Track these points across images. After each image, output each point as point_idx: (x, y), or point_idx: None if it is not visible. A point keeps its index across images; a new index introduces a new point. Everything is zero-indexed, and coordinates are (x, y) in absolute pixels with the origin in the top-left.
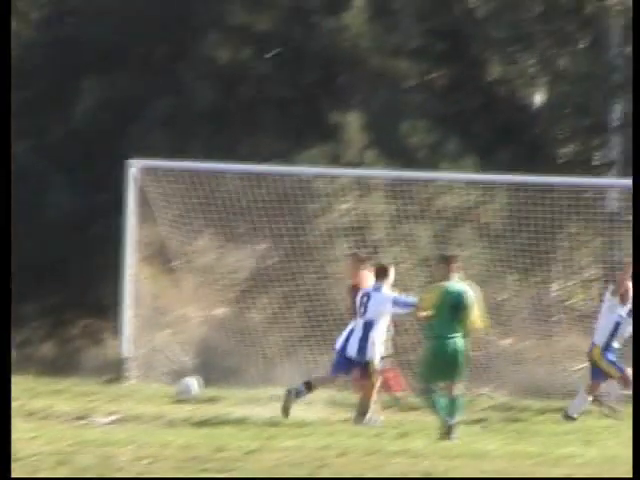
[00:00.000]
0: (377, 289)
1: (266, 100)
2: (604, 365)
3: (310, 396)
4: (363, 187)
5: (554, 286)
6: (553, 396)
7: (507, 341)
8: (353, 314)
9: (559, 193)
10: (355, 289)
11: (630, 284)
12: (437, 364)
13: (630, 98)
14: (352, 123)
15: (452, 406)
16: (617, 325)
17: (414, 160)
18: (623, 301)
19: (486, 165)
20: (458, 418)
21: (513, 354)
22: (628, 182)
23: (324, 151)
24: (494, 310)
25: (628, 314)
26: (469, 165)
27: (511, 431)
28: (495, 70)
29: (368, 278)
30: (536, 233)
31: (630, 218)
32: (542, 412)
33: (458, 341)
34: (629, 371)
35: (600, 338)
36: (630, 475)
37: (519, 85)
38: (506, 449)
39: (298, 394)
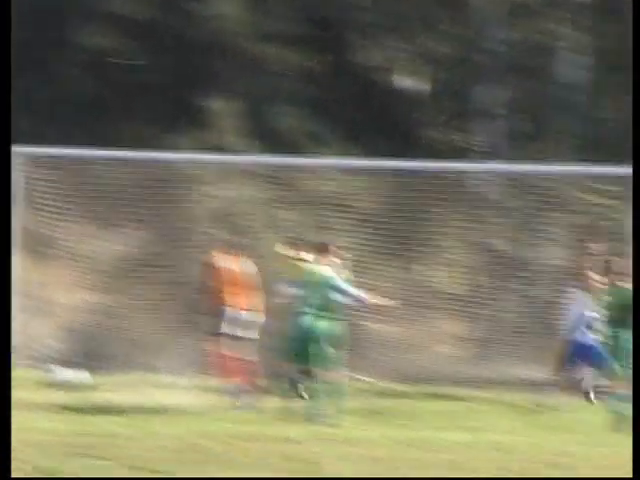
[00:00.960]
0: None
1: (142, 87)
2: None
3: (186, 382)
4: (236, 173)
5: (429, 272)
6: (428, 381)
7: (382, 326)
8: None
9: (433, 178)
10: None
11: (592, 274)
12: (302, 347)
13: (502, 82)
14: (226, 109)
15: (326, 391)
16: (582, 317)
17: (288, 146)
18: (589, 291)
19: (361, 151)
20: (334, 404)
21: (388, 339)
22: (504, 167)
23: (198, 137)
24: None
25: (593, 304)
26: (343, 151)
27: (390, 417)
28: (370, 56)
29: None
30: (410, 219)
31: (506, 203)
32: (418, 397)
33: (325, 324)
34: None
35: (566, 331)
36: (629, 475)
37: (394, 71)
38: (385, 435)
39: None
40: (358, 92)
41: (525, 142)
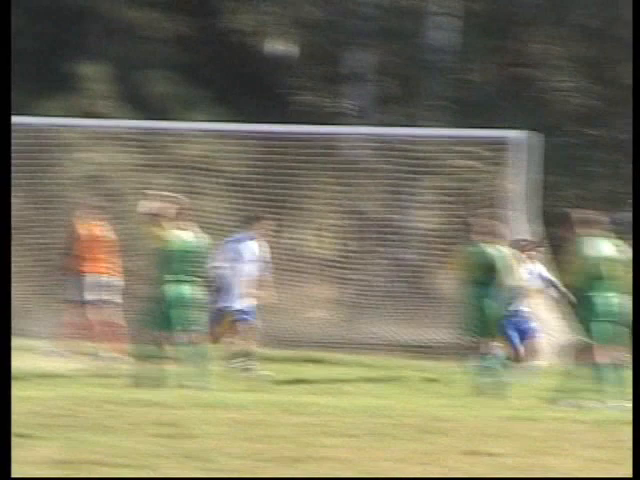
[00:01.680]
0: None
1: (12, 52)
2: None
3: (54, 346)
4: (107, 138)
5: (301, 236)
6: (301, 345)
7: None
8: None
9: (304, 142)
10: None
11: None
12: (165, 311)
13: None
14: (97, 75)
15: (193, 355)
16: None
17: (159, 111)
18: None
19: (232, 115)
20: (201, 367)
21: (260, 304)
22: (374, 131)
23: (69, 102)
24: None
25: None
26: (214, 116)
27: (263, 381)
28: (240, 20)
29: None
30: (278, 182)
31: (376, 167)
32: (291, 362)
33: (187, 289)
34: (521, 348)
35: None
36: (629, 475)
37: (265, 35)
38: (259, 399)
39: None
40: (229, 56)
41: (395, 106)
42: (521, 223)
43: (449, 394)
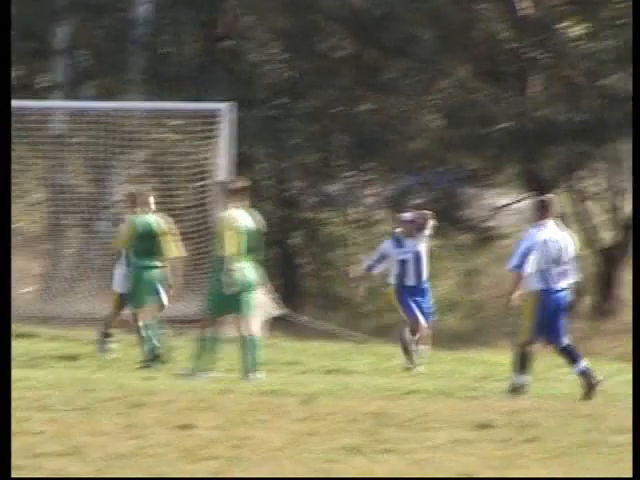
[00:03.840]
0: None
1: None
2: (395, 305)
3: None
4: None
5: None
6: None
7: None
8: None
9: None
10: None
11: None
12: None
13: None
14: None
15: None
16: (403, 263)
17: None
18: (410, 235)
19: None
20: None
21: None
22: (72, 104)
23: None
24: None
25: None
26: None
27: None
28: None
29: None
30: None
31: (76, 140)
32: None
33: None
34: (422, 320)
35: (392, 279)
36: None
37: None
38: None
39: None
40: None
41: (100, 80)
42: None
43: (154, 368)
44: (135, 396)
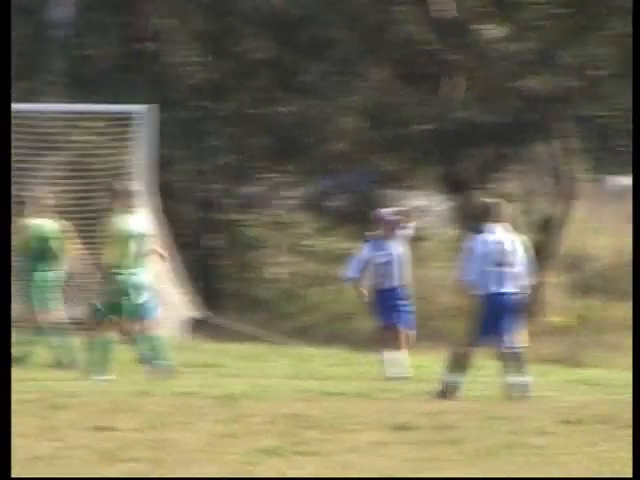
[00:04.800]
0: None
1: None
2: (370, 309)
3: None
4: None
5: None
6: None
7: None
8: None
9: None
10: None
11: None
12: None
13: None
14: None
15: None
16: (383, 265)
17: None
18: (388, 236)
19: None
20: None
21: None
22: None
23: None
24: None
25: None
26: None
27: None
28: None
29: None
30: None
31: None
32: None
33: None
34: (401, 325)
35: (370, 282)
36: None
37: None
38: None
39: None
40: None
41: (17, 82)
42: (141, 197)
43: (72, 370)
44: (54, 398)
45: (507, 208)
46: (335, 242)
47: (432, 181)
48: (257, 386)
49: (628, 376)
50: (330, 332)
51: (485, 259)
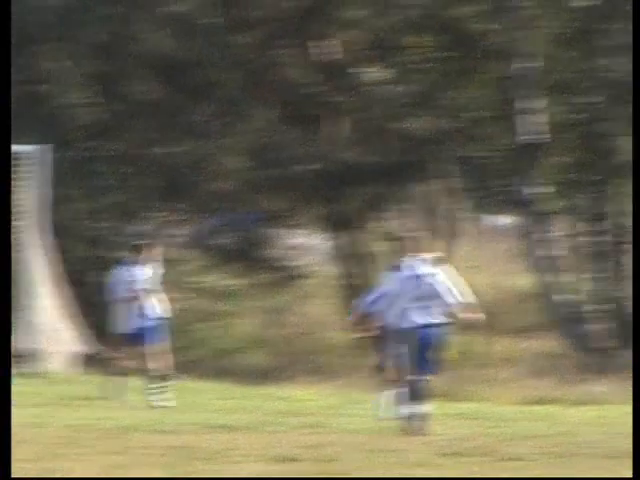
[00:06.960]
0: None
1: None
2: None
3: None
4: None
5: None
6: None
7: None
8: None
9: None
10: None
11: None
12: None
13: None
14: None
15: None
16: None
17: None
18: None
19: None
20: None
21: None
22: None
23: None
24: None
25: None
26: None
27: None
28: None
29: None
30: None
31: None
32: None
33: None
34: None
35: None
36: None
37: None
38: None
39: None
40: None
41: None
42: (33, 235)
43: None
44: None
45: (426, 241)
46: (221, 279)
47: (315, 220)
48: (149, 419)
49: (507, 410)
50: (217, 366)
51: (403, 295)
